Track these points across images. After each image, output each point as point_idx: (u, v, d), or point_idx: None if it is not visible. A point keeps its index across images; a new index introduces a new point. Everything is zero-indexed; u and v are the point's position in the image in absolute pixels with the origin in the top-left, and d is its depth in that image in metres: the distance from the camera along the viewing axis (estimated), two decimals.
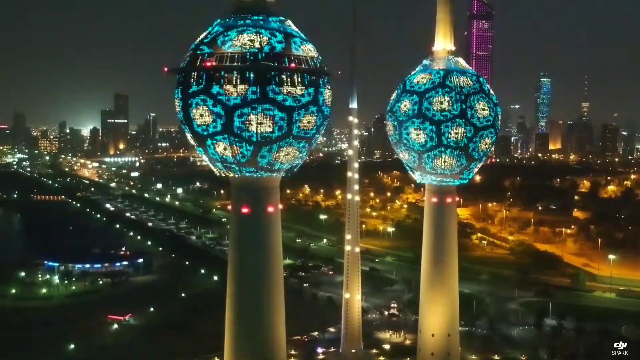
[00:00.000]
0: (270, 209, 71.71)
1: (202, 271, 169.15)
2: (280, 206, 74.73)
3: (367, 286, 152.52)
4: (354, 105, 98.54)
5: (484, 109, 78.82)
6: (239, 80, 61.27)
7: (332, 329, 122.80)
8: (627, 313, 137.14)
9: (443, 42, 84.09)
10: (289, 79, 62.68)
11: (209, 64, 63.65)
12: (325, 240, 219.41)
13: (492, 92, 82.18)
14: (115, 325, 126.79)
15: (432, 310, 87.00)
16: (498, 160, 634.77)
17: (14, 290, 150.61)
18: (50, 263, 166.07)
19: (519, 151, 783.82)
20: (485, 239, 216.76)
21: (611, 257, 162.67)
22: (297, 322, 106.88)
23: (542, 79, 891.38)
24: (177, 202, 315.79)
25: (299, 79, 63.41)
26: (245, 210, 71.40)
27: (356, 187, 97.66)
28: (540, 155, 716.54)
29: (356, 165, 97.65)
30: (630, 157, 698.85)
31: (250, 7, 66.71)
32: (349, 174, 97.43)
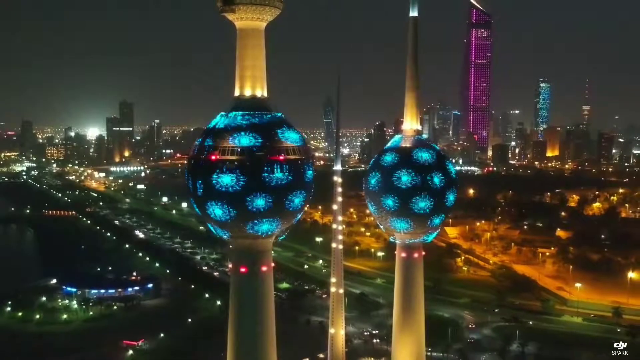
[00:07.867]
0: (264, 269, 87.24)
1: (207, 295, 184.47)
2: (273, 264, 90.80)
3: (355, 311, 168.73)
4: (338, 167, 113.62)
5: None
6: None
7: (321, 355, 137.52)
8: (588, 338, 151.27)
9: (410, 123, 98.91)
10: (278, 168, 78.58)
11: (213, 157, 79.51)
12: (321, 261, 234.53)
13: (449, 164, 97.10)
14: (130, 351, 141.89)
15: (401, 352, 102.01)
16: (495, 169, 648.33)
17: (37, 316, 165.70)
18: (69, 288, 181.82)
19: (517, 158, 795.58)
20: (470, 260, 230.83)
21: (578, 285, 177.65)
22: (291, 349, 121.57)
23: (541, 84, 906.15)
24: (181, 219, 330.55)
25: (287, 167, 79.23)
26: (243, 270, 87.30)
27: (340, 240, 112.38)
28: (537, 163, 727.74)
29: (340, 218, 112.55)
30: (626, 164, 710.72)
31: (248, 104, 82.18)
32: (334, 225, 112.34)
